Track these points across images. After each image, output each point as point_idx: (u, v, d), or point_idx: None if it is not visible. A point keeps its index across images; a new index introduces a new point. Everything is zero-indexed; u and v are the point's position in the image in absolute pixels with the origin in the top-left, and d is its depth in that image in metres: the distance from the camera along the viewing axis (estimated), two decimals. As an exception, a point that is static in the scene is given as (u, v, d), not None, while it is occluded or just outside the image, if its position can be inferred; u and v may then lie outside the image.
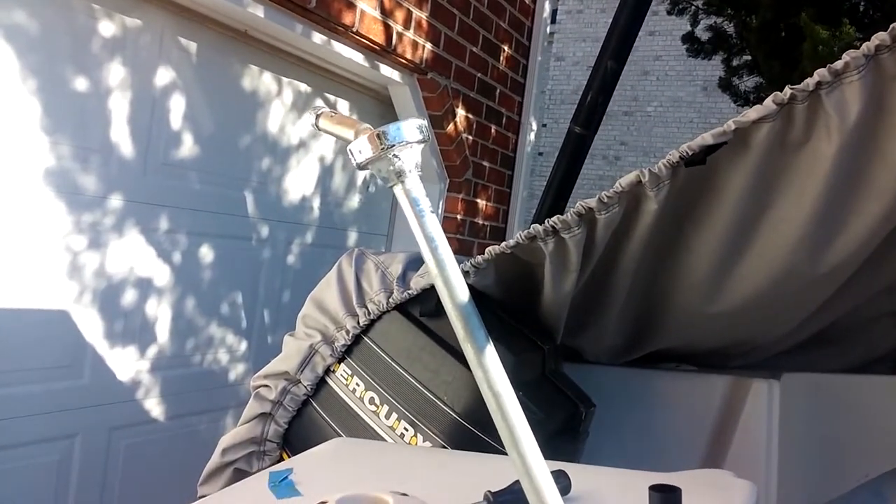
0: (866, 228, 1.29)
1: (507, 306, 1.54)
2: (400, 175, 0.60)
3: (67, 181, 2.18)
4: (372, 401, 1.45)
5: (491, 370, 0.55)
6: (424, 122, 0.64)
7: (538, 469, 0.57)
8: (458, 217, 3.77)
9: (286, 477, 0.87)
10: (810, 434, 1.84)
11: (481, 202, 3.97)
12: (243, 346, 2.87)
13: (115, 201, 2.31)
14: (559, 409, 1.44)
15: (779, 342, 1.87)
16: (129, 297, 2.39)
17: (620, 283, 1.52)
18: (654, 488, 0.78)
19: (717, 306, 1.51)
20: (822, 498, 1.85)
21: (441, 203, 3.72)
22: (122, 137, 2.32)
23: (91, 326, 2.29)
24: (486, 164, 3.95)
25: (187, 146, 2.54)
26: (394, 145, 0.60)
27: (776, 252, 1.34)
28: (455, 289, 0.55)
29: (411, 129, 0.61)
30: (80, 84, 2.19)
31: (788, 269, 1.36)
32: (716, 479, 1.00)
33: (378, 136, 0.60)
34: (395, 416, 1.42)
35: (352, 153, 0.62)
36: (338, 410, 1.49)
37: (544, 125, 11.29)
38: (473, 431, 1.33)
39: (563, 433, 1.44)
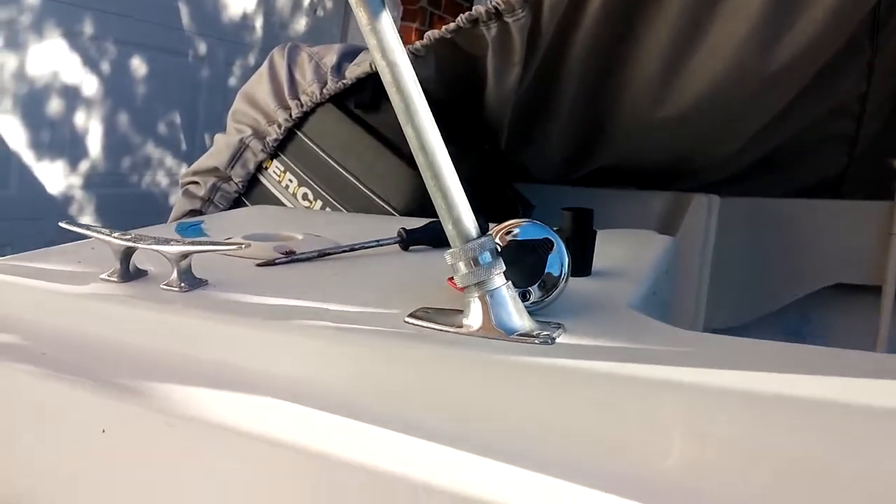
0: (817, 23, 1.24)
1: (449, 105, 1.47)
2: None
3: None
4: (305, 196, 1.41)
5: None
6: None
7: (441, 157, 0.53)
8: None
9: (196, 225, 0.82)
10: (745, 254, 1.86)
11: (436, 35, 3.79)
12: (183, 170, 2.77)
13: (33, -1, 2.13)
14: (495, 207, 1.41)
15: (723, 165, 1.86)
16: (55, 105, 2.25)
17: (567, 85, 1.46)
18: (567, 209, 0.77)
19: (665, 110, 1.46)
20: (752, 315, 1.90)
21: (393, 33, 3.54)
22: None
23: (14, 134, 2.16)
24: (442, -7, 3.74)
25: (112, -56, 2.32)
26: None
27: (727, 47, 1.29)
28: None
29: None
30: None
31: (738, 65, 1.31)
32: (639, 234, 1.00)
33: None
34: (328, 211, 1.38)
35: None
36: (270, 206, 1.45)
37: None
38: (408, 224, 1.30)
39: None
